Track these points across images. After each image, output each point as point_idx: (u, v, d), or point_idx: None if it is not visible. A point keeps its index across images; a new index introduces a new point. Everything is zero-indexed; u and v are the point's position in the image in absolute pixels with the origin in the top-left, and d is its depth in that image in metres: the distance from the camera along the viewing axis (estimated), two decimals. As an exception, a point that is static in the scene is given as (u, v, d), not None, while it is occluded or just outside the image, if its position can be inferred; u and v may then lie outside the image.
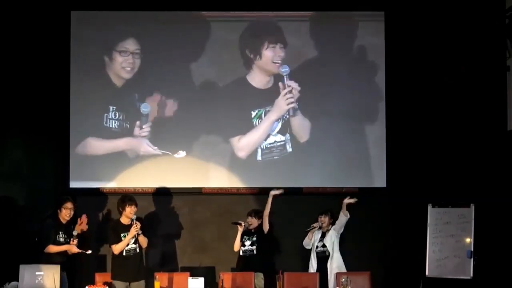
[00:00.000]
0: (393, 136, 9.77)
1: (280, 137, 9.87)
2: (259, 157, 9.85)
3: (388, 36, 9.84)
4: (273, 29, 9.91)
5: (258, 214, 9.02)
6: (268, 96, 9.89)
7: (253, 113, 9.87)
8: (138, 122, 9.82)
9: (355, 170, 9.79)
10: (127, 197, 8.50)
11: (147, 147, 9.82)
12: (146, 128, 9.84)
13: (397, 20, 9.82)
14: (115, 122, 9.85)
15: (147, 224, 9.14)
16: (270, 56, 9.87)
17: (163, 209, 9.76)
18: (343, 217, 9.00)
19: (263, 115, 9.87)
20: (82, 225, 8.63)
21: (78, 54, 9.77)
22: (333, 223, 9.05)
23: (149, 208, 9.69)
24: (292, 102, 9.82)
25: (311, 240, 9.04)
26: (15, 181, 9.61)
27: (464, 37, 9.75)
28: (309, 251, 9.10)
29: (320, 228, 9.07)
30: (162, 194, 9.75)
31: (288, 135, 9.87)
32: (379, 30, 9.87)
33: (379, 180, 9.76)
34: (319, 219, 9.06)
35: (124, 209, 8.38)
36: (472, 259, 8.92)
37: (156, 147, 9.80)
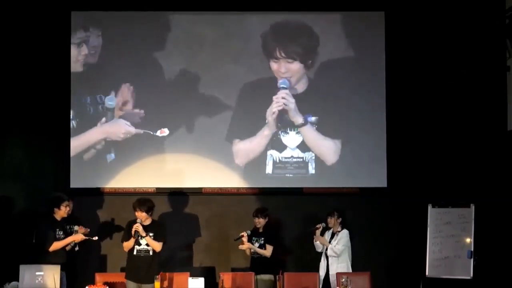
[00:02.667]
0: (393, 136, 9.77)
1: (298, 153, 9.79)
2: (269, 171, 9.79)
3: (388, 36, 9.84)
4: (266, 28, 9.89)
5: (264, 213, 8.96)
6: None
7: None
8: (103, 119, 9.77)
9: (355, 170, 9.78)
10: (138, 200, 8.41)
11: (127, 127, 9.71)
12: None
13: (397, 20, 9.82)
14: (74, 122, 9.77)
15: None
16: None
17: (164, 209, 9.76)
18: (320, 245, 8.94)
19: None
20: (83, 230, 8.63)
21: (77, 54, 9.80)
22: (342, 223, 8.95)
23: (149, 208, 9.69)
24: (278, 107, 9.70)
25: (317, 242, 8.94)
26: (15, 181, 9.62)
27: (464, 37, 9.76)
28: (316, 252, 9.08)
29: (328, 229, 9.01)
30: (162, 194, 9.75)
31: (312, 153, 9.81)
32: (379, 30, 9.86)
33: (380, 180, 9.75)
34: (327, 220, 9.00)
35: (134, 211, 8.41)
36: (472, 259, 8.91)
37: (133, 127, 9.70)
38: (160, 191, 9.73)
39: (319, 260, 8.95)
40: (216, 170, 9.75)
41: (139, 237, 8.19)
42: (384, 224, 9.68)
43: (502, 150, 9.64)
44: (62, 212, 8.47)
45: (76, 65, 9.75)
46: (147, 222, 8.31)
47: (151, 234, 8.26)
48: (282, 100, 9.72)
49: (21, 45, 9.65)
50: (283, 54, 9.79)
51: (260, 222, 8.92)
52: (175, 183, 9.76)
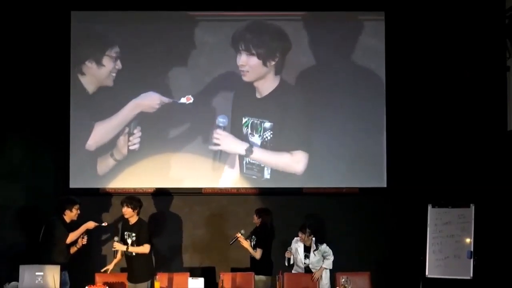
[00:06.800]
0: (393, 136, 9.77)
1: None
2: (244, 170, 9.80)
3: (388, 35, 9.84)
4: (263, 30, 9.86)
5: (259, 213, 9.00)
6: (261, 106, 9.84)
7: (244, 120, 9.83)
8: (127, 129, 9.80)
9: (355, 170, 9.78)
10: (127, 197, 8.61)
11: (162, 98, 9.73)
12: (137, 134, 9.78)
13: (397, 19, 9.82)
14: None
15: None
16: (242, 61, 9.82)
17: (163, 209, 9.76)
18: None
19: (249, 124, 9.80)
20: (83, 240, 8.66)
21: (78, 54, 9.76)
22: (315, 237, 8.72)
23: (149, 208, 9.68)
24: (216, 145, 9.73)
25: (290, 257, 8.79)
26: (15, 181, 9.61)
27: (464, 37, 9.76)
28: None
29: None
30: (162, 194, 9.75)
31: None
32: (379, 30, 9.86)
33: (379, 180, 9.75)
34: (298, 234, 8.83)
35: (122, 206, 8.54)
36: (472, 259, 8.92)
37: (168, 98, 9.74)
38: (160, 191, 9.73)
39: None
40: (216, 170, 9.78)
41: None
42: (384, 224, 9.68)
43: (502, 150, 9.64)
44: (72, 214, 8.53)
45: (107, 80, 9.77)
46: (133, 220, 8.46)
47: (133, 236, 8.36)
48: (216, 140, 9.72)
49: (21, 45, 9.64)
50: (243, 47, 9.78)
51: (254, 219, 8.99)
52: (175, 183, 9.76)
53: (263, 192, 9.74)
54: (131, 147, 9.75)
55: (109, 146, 9.75)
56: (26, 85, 9.65)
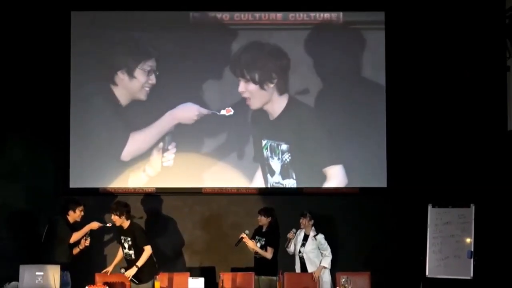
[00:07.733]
0: (393, 136, 9.77)
1: (279, 178, 9.77)
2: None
3: (388, 35, 9.84)
4: (258, 51, 9.82)
5: (267, 213, 8.91)
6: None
7: (263, 142, 9.81)
8: (161, 144, 9.79)
9: (355, 170, 9.78)
10: (113, 204, 8.57)
11: (200, 109, 9.67)
12: (172, 149, 9.75)
13: (398, 19, 9.82)
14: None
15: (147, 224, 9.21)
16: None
17: (163, 209, 9.76)
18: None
19: (268, 147, 9.78)
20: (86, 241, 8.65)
21: (78, 54, 9.76)
22: (314, 225, 8.85)
23: (149, 208, 9.69)
24: None
25: (291, 244, 8.86)
26: (15, 181, 9.61)
27: (464, 37, 9.76)
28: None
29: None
30: (162, 194, 9.74)
31: (294, 181, 9.77)
32: (379, 30, 9.86)
33: (379, 180, 9.75)
34: (300, 220, 8.91)
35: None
36: (472, 259, 8.92)
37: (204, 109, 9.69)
38: (160, 191, 9.73)
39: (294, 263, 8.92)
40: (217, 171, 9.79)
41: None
42: (384, 224, 9.68)
43: (502, 150, 9.64)
44: (76, 215, 8.54)
45: (140, 93, 9.72)
46: (126, 225, 8.45)
47: (129, 240, 8.37)
48: None
49: (21, 45, 9.64)
50: (238, 73, 9.74)
51: (262, 220, 8.89)
52: (175, 183, 9.75)
53: (263, 192, 9.74)
54: (165, 163, 9.72)
55: (143, 157, 9.72)
56: (26, 85, 9.65)
